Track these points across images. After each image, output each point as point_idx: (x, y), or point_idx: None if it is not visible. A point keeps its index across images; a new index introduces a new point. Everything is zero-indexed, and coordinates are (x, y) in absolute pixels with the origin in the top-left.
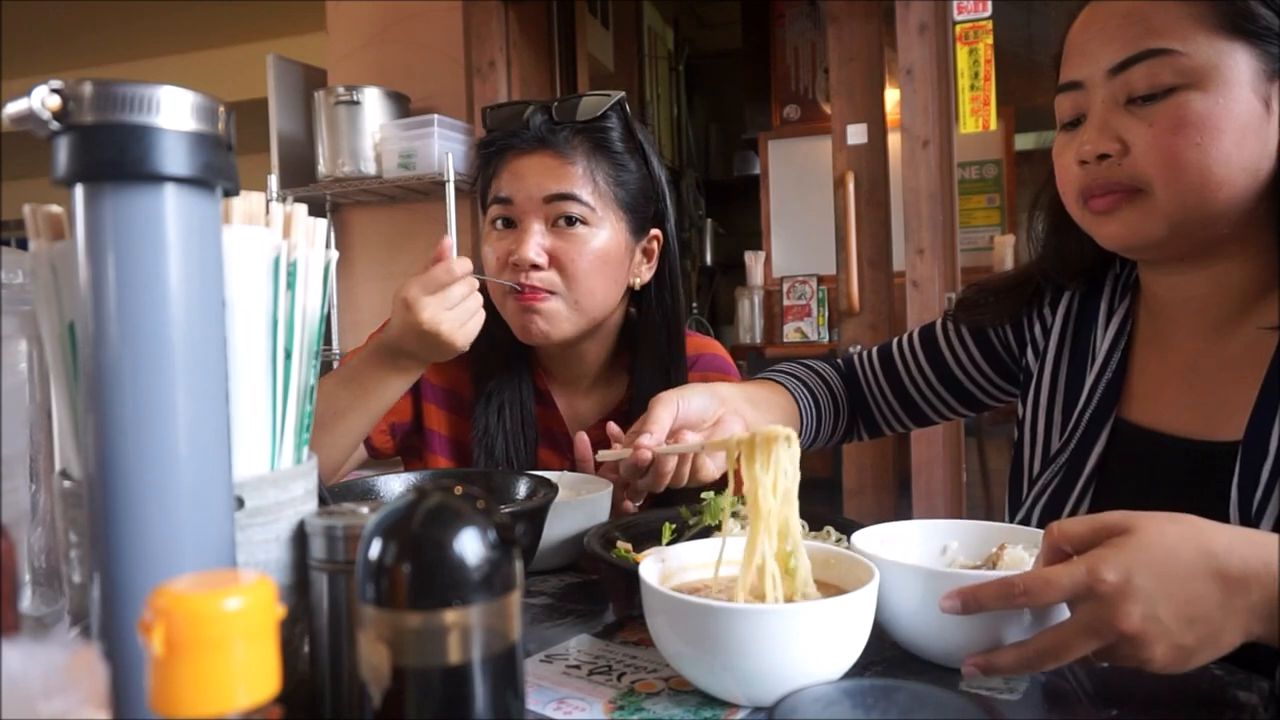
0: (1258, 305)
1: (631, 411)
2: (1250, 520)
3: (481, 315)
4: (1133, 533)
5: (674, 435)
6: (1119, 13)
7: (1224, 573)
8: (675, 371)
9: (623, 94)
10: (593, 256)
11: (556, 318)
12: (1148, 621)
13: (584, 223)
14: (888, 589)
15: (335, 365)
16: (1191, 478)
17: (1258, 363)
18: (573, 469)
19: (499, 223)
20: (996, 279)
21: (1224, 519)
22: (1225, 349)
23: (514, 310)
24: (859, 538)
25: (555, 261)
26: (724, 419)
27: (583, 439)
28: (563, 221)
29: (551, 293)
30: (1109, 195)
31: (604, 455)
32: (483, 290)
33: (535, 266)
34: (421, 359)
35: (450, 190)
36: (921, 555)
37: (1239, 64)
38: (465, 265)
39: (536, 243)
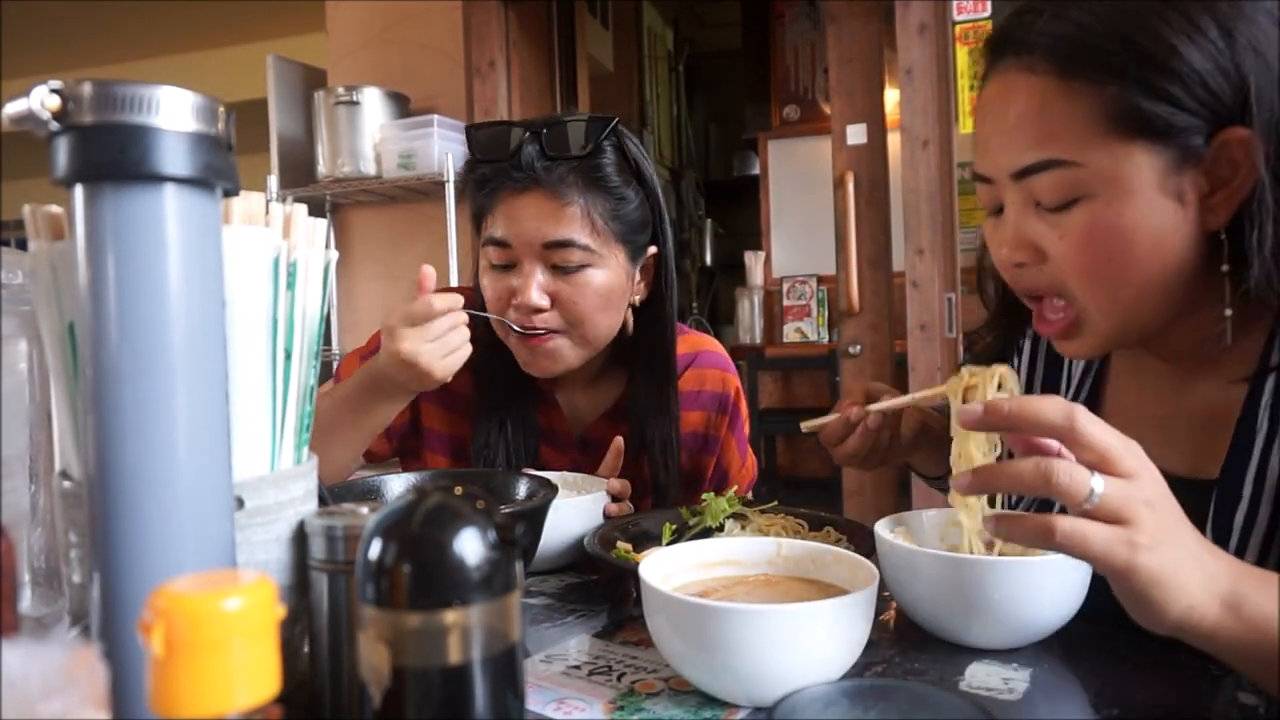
0: (1228, 355)
1: (629, 408)
2: None
3: (465, 350)
4: (1152, 504)
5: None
6: (1012, 113)
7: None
8: (667, 376)
9: (614, 119)
10: (595, 297)
11: (561, 354)
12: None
13: (585, 265)
14: (912, 575)
15: (335, 366)
16: None
17: (1232, 405)
18: (574, 468)
19: (495, 259)
20: (986, 322)
21: None
22: (1198, 392)
23: (517, 345)
24: (881, 526)
25: (558, 302)
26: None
27: (618, 443)
28: (563, 267)
29: (556, 331)
30: (1050, 323)
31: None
32: (485, 320)
33: (538, 310)
34: (406, 388)
35: (450, 190)
36: (939, 542)
37: (1140, 168)
38: (447, 301)
39: (537, 287)
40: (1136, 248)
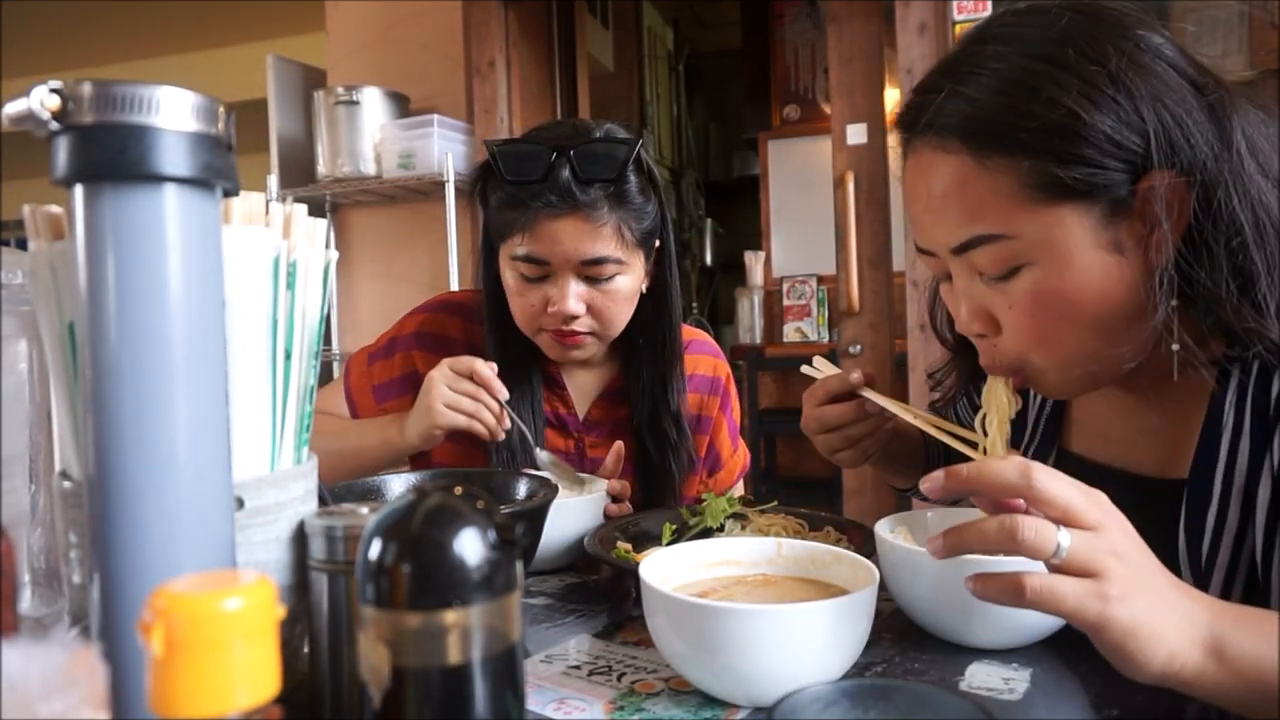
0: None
1: (628, 388)
2: (1200, 565)
3: (466, 421)
4: (1121, 557)
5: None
6: (936, 192)
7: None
8: (674, 355)
9: (640, 140)
10: (624, 300)
11: (588, 349)
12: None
13: (616, 274)
14: (912, 575)
15: (335, 366)
16: (1141, 514)
17: (1200, 400)
18: (579, 452)
19: (527, 273)
20: (948, 361)
21: (1174, 559)
22: (1167, 390)
23: (549, 344)
24: (881, 526)
25: (591, 309)
26: None
27: (619, 447)
28: (599, 279)
29: (588, 334)
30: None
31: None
32: (505, 309)
33: (575, 317)
34: (405, 427)
35: (450, 190)
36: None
37: (1072, 229)
38: (488, 370)
39: (575, 297)
40: (1084, 305)
